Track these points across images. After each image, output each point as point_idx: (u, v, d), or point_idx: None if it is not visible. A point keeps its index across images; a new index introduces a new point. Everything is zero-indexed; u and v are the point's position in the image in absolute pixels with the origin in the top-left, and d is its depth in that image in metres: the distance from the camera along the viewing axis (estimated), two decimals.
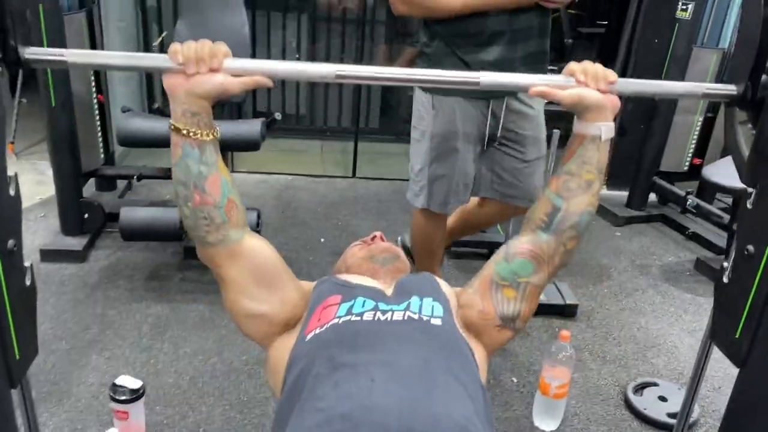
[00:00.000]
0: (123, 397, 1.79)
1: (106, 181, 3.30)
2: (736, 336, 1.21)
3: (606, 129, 1.19)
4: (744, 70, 1.16)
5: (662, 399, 2.14)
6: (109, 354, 2.20)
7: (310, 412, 1.03)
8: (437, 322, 1.23)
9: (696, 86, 1.25)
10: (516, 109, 2.14)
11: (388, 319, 1.20)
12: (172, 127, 1.13)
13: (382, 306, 1.24)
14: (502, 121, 2.14)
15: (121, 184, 3.41)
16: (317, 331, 1.20)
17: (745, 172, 1.22)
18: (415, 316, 1.22)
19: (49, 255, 2.71)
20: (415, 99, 2.21)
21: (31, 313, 1.06)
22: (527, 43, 2.05)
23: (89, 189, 3.20)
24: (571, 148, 1.24)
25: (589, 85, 1.17)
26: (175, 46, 1.08)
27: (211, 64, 1.08)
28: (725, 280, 1.26)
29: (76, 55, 1.09)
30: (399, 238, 2.76)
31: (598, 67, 1.18)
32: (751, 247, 1.18)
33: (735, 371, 1.22)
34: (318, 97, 4.65)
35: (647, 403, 2.12)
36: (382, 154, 4.42)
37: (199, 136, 1.12)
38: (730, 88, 1.20)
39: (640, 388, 2.20)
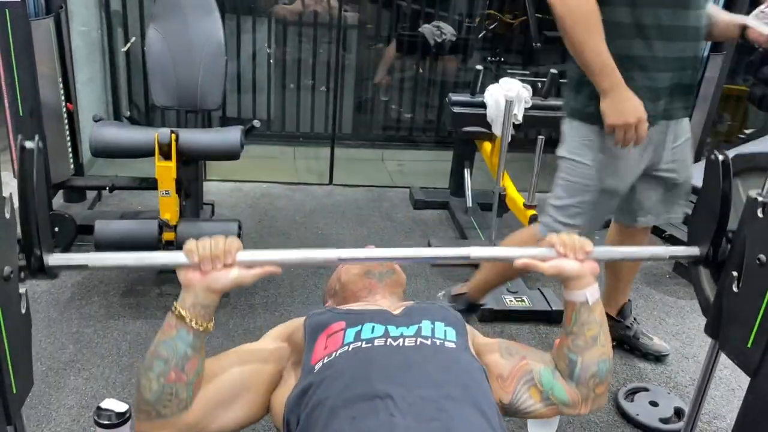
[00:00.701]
0: (108, 422, 1.70)
1: (76, 192, 3.17)
2: (748, 345, 1.21)
3: (591, 293, 1.25)
4: (706, 235, 1.31)
5: (653, 404, 2.14)
6: (88, 374, 2.11)
7: None
8: (451, 345, 1.20)
9: (664, 250, 1.41)
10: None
11: (401, 345, 1.17)
12: (177, 312, 1.12)
13: (392, 330, 1.20)
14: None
15: (91, 194, 3.29)
16: (326, 359, 1.16)
17: (708, 321, 1.37)
18: (428, 341, 1.19)
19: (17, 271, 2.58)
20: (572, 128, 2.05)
21: (27, 344, 0.99)
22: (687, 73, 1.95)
23: (57, 200, 3.08)
24: (568, 314, 1.27)
25: (567, 256, 1.23)
26: (190, 245, 1.12)
27: (225, 260, 1.12)
28: (735, 289, 1.26)
29: (97, 259, 1.14)
30: (440, 294, 2.61)
31: (575, 238, 1.25)
32: (763, 257, 1.18)
33: (726, 375, 1.24)
34: (290, 101, 4.58)
35: (639, 408, 2.13)
36: (357, 160, 4.38)
37: (199, 326, 1.13)
38: (694, 251, 1.34)
39: (630, 394, 2.20)
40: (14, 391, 0.92)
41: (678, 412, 2.13)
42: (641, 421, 2.08)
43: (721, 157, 1.26)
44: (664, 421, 2.08)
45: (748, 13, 1.93)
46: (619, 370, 2.34)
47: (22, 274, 0.99)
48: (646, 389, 2.21)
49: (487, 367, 1.27)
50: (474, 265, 2.74)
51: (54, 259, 1.05)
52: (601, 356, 1.25)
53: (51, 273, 1.05)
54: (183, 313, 1.12)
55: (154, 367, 1.12)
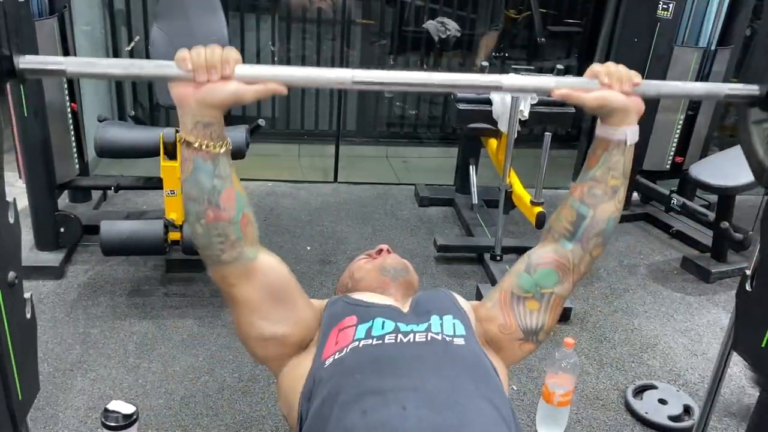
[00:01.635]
0: (116, 424, 1.70)
1: (81, 192, 3.17)
2: (762, 345, 1.19)
3: (631, 133, 1.16)
4: (765, 71, 1.15)
5: (662, 402, 2.13)
6: (95, 375, 2.11)
7: None
8: (460, 341, 1.19)
9: (717, 87, 1.23)
10: None
11: (411, 340, 1.16)
12: (182, 140, 1.05)
13: (402, 327, 1.19)
14: None
15: (96, 194, 3.28)
16: (337, 355, 1.15)
17: (766, 175, 1.21)
18: (438, 337, 1.17)
19: (23, 272, 2.56)
20: None
21: (33, 349, 0.99)
22: None
23: (62, 201, 3.07)
24: (596, 154, 1.20)
25: (613, 87, 1.12)
26: (182, 53, 1.00)
27: (222, 71, 1.01)
28: (748, 288, 1.24)
29: (75, 63, 1.01)
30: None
31: (622, 69, 1.14)
32: None
33: (736, 372, 1.23)
34: (294, 99, 4.57)
35: (648, 406, 2.11)
36: (361, 158, 4.36)
37: (211, 148, 1.05)
38: (752, 89, 1.18)
39: (639, 392, 2.19)
40: (20, 398, 0.91)
41: (687, 410, 2.11)
42: (650, 419, 2.07)
43: None
44: (674, 418, 2.07)
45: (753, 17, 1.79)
46: (627, 368, 2.33)
47: (34, 309, 0.96)
48: (654, 387, 2.20)
49: (490, 324, 1.26)
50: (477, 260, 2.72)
51: (26, 61, 0.92)
52: (613, 212, 1.20)
53: (21, 76, 0.93)
54: (189, 138, 1.03)
55: (190, 211, 1.07)
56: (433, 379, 1.08)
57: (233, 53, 1.02)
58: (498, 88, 1.14)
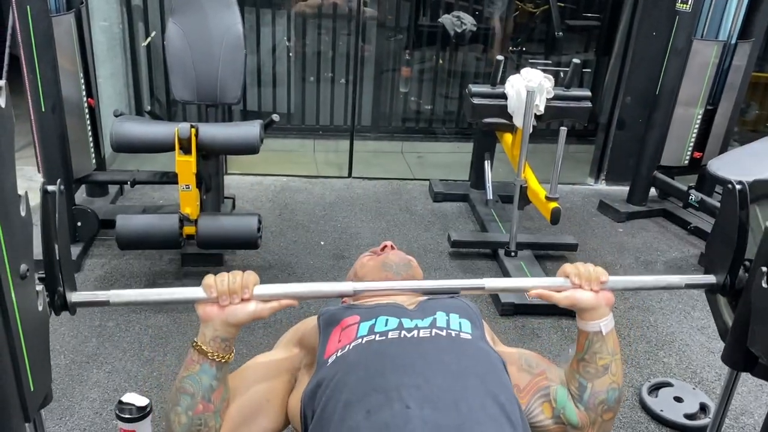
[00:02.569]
0: (130, 416, 1.71)
1: (98, 187, 3.20)
2: None
3: (605, 324, 1.24)
4: (723, 263, 1.29)
5: (678, 400, 2.11)
6: (110, 368, 2.13)
7: None
8: (466, 336, 1.18)
9: (679, 278, 1.36)
10: None
11: (415, 336, 1.16)
12: (197, 347, 1.14)
13: (406, 323, 1.19)
14: None
15: (113, 189, 3.31)
16: (339, 353, 1.15)
17: (726, 348, 1.32)
18: (443, 332, 1.17)
19: (41, 265, 2.60)
20: None
21: (45, 341, 0.99)
22: None
23: (80, 195, 3.11)
24: (580, 342, 1.26)
25: (582, 287, 1.22)
26: (209, 280, 1.13)
27: (242, 295, 1.13)
28: (764, 284, 1.21)
29: (118, 296, 1.15)
30: None
31: (590, 268, 1.24)
32: None
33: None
34: (309, 94, 4.57)
35: (663, 404, 2.09)
36: (376, 153, 4.36)
37: (220, 358, 1.14)
38: (710, 279, 1.32)
39: (654, 389, 2.17)
40: (32, 389, 0.92)
41: (703, 408, 2.09)
42: (665, 416, 2.04)
43: (738, 187, 1.24)
44: (689, 417, 2.05)
45: None
46: (643, 365, 2.31)
47: (46, 302, 1.03)
48: (670, 384, 2.18)
49: (511, 368, 1.26)
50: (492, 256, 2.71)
51: (76, 296, 1.10)
52: (610, 385, 1.25)
53: (72, 309, 1.10)
54: (204, 347, 1.14)
55: (181, 402, 1.14)
56: (437, 376, 1.07)
57: (252, 277, 1.15)
58: (481, 289, 1.26)
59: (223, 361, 1.15)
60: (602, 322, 1.23)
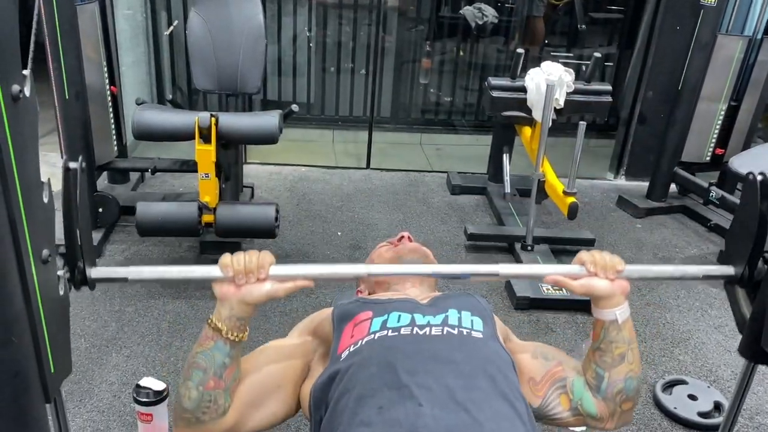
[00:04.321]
0: (147, 399, 1.75)
1: (119, 174, 3.25)
2: None
3: (620, 313, 1.22)
4: (742, 254, 1.28)
5: (692, 398, 2.10)
6: (129, 352, 2.17)
7: None
8: (478, 335, 1.19)
9: (697, 269, 1.34)
10: None
11: (427, 333, 1.17)
12: (213, 324, 1.14)
13: (418, 319, 1.20)
14: None
15: (134, 176, 3.36)
16: (352, 348, 1.17)
17: (743, 340, 1.33)
18: (454, 331, 1.18)
19: (61, 249, 2.66)
20: None
21: (65, 325, 1.02)
22: None
23: (101, 182, 3.15)
24: (596, 331, 1.25)
25: (598, 275, 1.21)
26: (225, 260, 1.14)
27: (258, 275, 1.13)
28: None
29: (137, 272, 1.16)
30: None
31: (606, 257, 1.23)
32: None
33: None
34: (329, 85, 4.58)
35: (677, 401, 2.08)
36: (394, 144, 4.36)
37: (235, 337, 1.15)
38: (728, 270, 1.31)
39: (668, 386, 2.16)
40: (52, 371, 0.95)
41: (718, 407, 2.08)
42: (679, 414, 2.03)
43: (759, 178, 1.23)
44: (703, 415, 2.04)
45: None
46: (657, 362, 2.30)
47: (65, 286, 1.04)
48: (684, 382, 2.17)
49: (520, 368, 1.26)
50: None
51: (96, 272, 1.12)
52: (628, 374, 1.24)
53: (92, 285, 1.11)
54: (219, 325, 1.14)
55: (193, 377, 1.15)
56: (448, 376, 1.08)
57: (268, 257, 1.15)
58: (495, 276, 1.24)
59: (237, 339, 1.15)
60: (618, 310, 1.22)
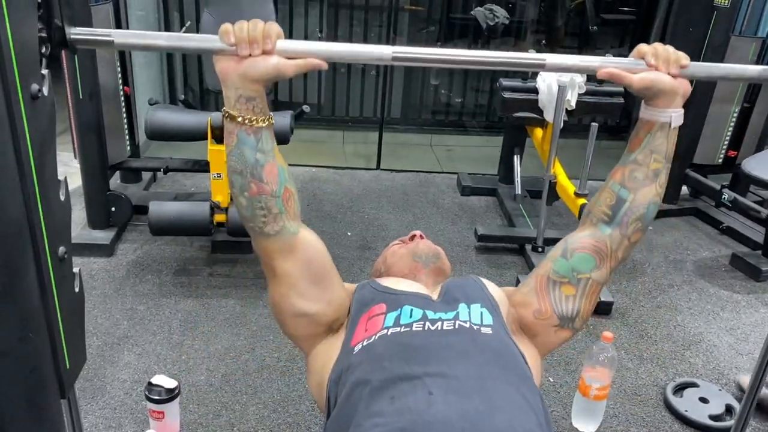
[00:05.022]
0: (159, 397, 1.77)
1: (132, 173, 3.27)
2: None
3: (676, 116, 1.14)
4: None
5: (703, 400, 2.09)
6: (141, 350, 2.18)
7: (369, 427, 1.00)
8: (488, 330, 1.19)
9: (762, 69, 1.18)
10: None
11: (439, 328, 1.17)
12: (226, 114, 1.07)
13: (430, 314, 1.20)
14: None
15: (146, 175, 3.38)
16: (365, 342, 1.17)
17: None
18: (466, 325, 1.18)
19: (76, 249, 2.67)
20: None
21: (80, 321, 1.03)
22: None
23: (113, 181, 3.18)
24: (639, 136, 1.18)
25: (660, 69, 1.10)
26: (226, 27, 1.01)
27: (264, 45, 1.01)
28: None
29: (123, 35, 1.03)
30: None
31: (670, 50, 1.11)
32: None
33: None
34: (340, 85, 4.60)
35: (688, 404, 2.07)
36: (405, 145, 4.37)
37: (254, 123, 1.07)
38: None
39: (679, 389, 2.15)
40: (68, 367, 0.96)
41: (729, 410, 2.07)
42: (690, 417, 2.02)
43: None
44: (714, 418, 2.03)
45: None
46: (668, 364, 2.29)
47: (44, 48, 0.90)
48: (696, 385, 2.15)
49: (525, 310, 1.26)
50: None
51: (76, 32, 0.96)
52: (654, 197, 1.18)
53: (72, 46, 0.96)
54: (232, 112, 1.06)
55: (234, 183, 1.11)
56: (460, 366, 1.09)
57: (275, 27, 1.03)
58: (541, 66, 1.10)
59: (256, 125, 1.07)
60: (674, 112, 1.12)
